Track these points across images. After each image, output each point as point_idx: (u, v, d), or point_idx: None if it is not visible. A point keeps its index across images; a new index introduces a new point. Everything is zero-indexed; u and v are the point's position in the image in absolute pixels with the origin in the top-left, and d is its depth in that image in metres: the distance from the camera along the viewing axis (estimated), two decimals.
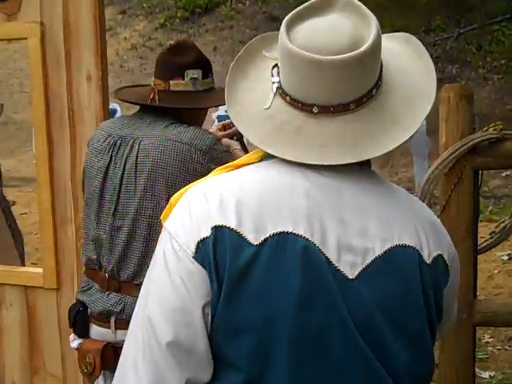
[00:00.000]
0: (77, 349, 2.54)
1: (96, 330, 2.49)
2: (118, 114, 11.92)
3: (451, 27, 14.75)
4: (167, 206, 1.44)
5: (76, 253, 3.18)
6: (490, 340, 5.36)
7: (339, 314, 1.27)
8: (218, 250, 1.26)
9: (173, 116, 2.48)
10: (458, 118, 2.55)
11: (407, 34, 1.50)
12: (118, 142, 2.46)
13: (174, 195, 1.44)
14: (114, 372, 2.35)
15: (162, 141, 2.38)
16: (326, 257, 1.28)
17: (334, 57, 1.29)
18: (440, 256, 1.40)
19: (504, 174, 11.35)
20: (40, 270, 3.34)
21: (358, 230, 1.32)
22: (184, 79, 2.49)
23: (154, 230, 2.34)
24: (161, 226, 2.23)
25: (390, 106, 1.37)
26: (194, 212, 1.31)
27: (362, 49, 1.30)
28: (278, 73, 1.40)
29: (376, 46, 1.33)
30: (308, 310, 1.26)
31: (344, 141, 1.33)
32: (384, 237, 1.33)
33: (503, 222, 2.67)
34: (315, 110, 1.34)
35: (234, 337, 1.27)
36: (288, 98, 1.37)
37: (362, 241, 1.31)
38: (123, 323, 2.35)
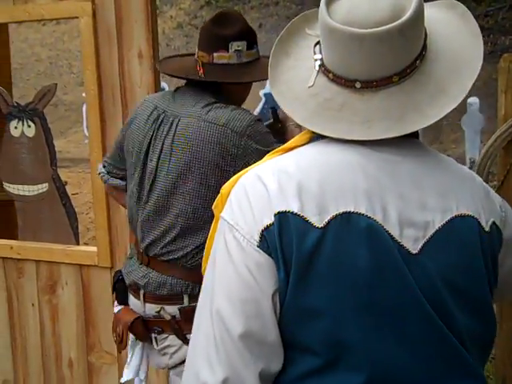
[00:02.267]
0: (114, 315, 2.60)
1: (131, 300, 2.54)
2: None
3: None
4: (218, 196, 1.42)
5: (129, 231, 3.20)
6: None
7: (410, 289, 1.26)
8: (284, 237, 1.24)
9: (215, 91, 2.45)
10: None
11: (452, 0, 1.45)
12: (161, 116, 2.44)
13: (225, 185, 1.42)
14: (150, 343, 2.44)
15: (199, 122, 2.35)
16: (389, 233, 1.26)
17: (375, 29, 1.27)
18: (494, 223, 1.39)
19: None
20: (94, 248, 3.37)
21: (417, 204, 1.30)
22: (228, 51, 2.44)
23: (184, 211, 2.35)
24: (193, 209, 2.32)
25: (435, 75, 1.34)
26: (253, 199, 1.29)
27: (404, 19, 1.27)
28: (320, 50, 1.38)
29: (418, 15, 1.30)
30: (378, 288, 1.24)
31: (388, 114, 1.32)
32: (443, 208, 1.32)
33: None
34: (358, 85, 1.32)
35: (306, 321, 1.25)
36: (331, 74, 1.36)
37: (422, 214, 1.30)
38: (151, 297, 2.42)
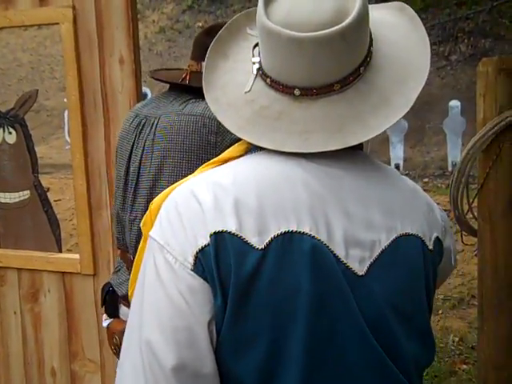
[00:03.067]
0: (107, 328, 2.57)
1: (124, 311, 2.50)
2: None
3: (484, 0, 14.52)
4: (147, 213, 1.31)
5: (112, 238, 3.18)
6: None
7: (351, 315, 1.17)
8: (221, 259, 1.13)
9: (200, 96, 2.40)
10: (496, 93, 2.48)
11: (401, 3, 1.37)
12: (143, 121, 2.46)
13: (154, 200, 1.30)
14: None
15: (177, 116, 2.35)
16: (335, 254, 1.17)
17: (315, 33, 1.17)
18: (437, 238, 1.33)
19: None
20: (77, 256, 3.35)
21: (363, 222, 1.22)
22: None
23: None
24: None
25: (380, 84, 1.25)
26: (185, 217, 1.17)
27: (345, 22, 1.18)
28: (259, 52, 1.28)
29: (362, 18, 1.20)
30: (320, 313, 1.15)
31: (328, 125, 1.22)
32: (388, 227, 1.24)
33: None
34: (297, 92, 1.23)
35: (241, 352, 1.15)
36: (269, 79, 1.26)
37: (368, 233, 1.21)
38: None
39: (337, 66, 1.22)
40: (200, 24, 18.00)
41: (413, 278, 1.26)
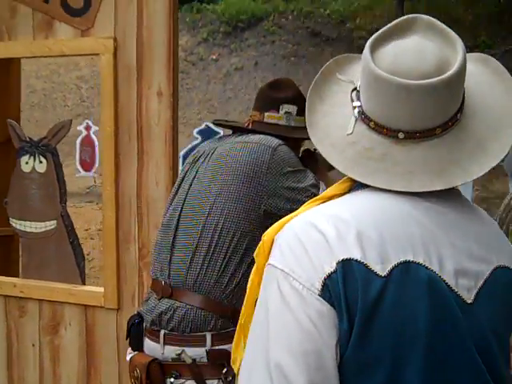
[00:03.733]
0: (129, 361, 2.51)
1: (148, 344, 2.46)
2: None
3: (497, 44, 14.63)
4: (260, 244, 1.38)
5: (138, 272, 3.12)
6: None
7: (464, 341, 1.24)
8: (348, 286, 1.20)
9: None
10: None
11: (484, 55, 1.46)
12: (199, 153, 2.54)
13: (266, 232, 1.37)
14: None
15: (233, 144, 2.45)
16: (446, 283, 1.25)
17: (423, 81, 1.26)
18: None
19: None
20: (101, 289, 3.28)
21: (466, 253, 1.30)
22: (278, 112, 2.56)
23: (215, 229, 2.34)
24: (227, 234, 2.29)
25: (474, 130, 1.34)
26: (309, 246, 1.24)
27: (451, 72, 1.27)
28: (359, 97, 1.37)
29: (463, 69, 1.29)
30: (436, 339, 1.22)
31: (429, 167, 1.30)
32: (487, 259, 1.32)
33: None
34: (401, 135, 1.31)
35: (365, 372, 1.21)
36: (372, 123, 1.34)
37: (472, 264, 1.30)
38: (172, 338, 2.36)
39: (439, 112, 1.30)
40: (214, 57, 18.12)
41: (508, 307, 1.35)
